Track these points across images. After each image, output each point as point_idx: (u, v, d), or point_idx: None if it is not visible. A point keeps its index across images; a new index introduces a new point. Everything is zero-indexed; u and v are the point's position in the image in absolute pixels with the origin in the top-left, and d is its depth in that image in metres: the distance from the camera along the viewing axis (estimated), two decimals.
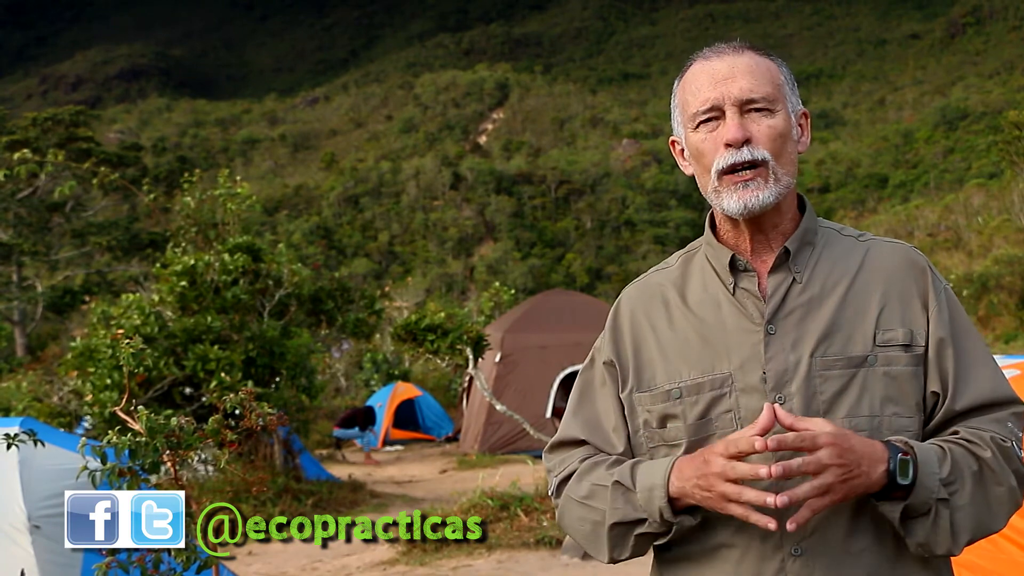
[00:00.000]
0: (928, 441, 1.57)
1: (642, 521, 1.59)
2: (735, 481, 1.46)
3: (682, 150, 1.75)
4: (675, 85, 1.75)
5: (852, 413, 1.57)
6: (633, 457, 1.71)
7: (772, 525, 1.44)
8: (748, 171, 1.62)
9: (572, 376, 13.56)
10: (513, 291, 20.80)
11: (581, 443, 1.74)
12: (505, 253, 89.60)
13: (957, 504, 1.51)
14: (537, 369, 13.43)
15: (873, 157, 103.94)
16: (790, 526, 1.44)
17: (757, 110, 1.64)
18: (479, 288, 48.24)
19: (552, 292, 18.36)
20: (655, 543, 1.62)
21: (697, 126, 1.67)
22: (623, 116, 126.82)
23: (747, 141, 1.62)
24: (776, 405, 1.48)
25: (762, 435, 1.46)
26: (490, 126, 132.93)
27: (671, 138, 1.80)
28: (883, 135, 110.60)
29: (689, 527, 1.57)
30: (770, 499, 1.42)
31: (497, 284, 20.18)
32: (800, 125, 1.71)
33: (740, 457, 1.46)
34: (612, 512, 1.60)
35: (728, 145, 1.62)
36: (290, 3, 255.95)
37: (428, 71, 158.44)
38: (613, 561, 1.65)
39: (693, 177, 1.74)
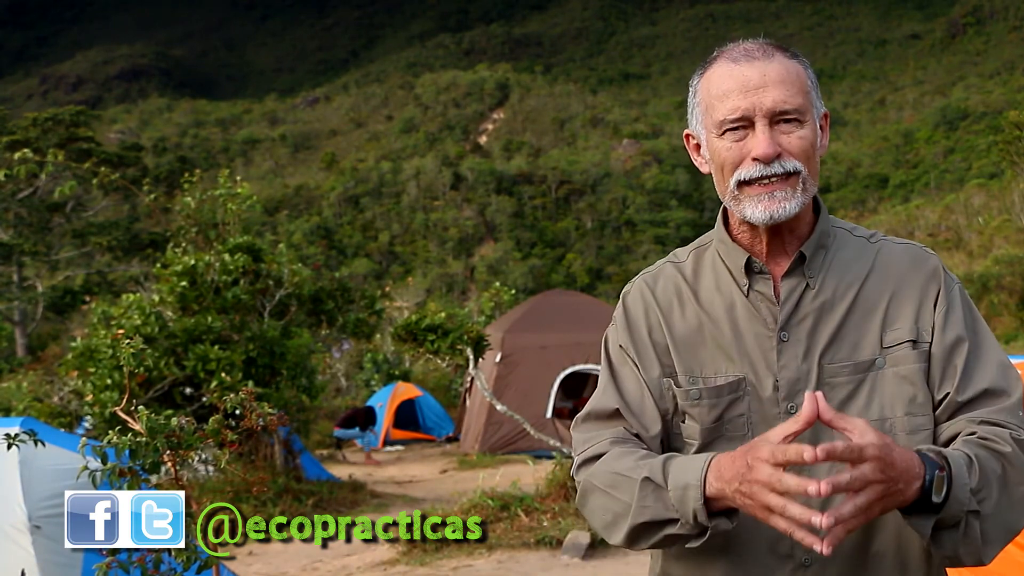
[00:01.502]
0: (953, 446, 1.50)
1: (673, 521, 1.48)
2: (781, 492, 1.34)
3: (697, 145, 1.71)
4: (696, 80, 1.69)
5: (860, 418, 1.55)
6: (667, 436, 1.66)
7: (818, 547, 1.31)
8: (778, 182, 1.58)
9: (572, 376, 13.56)
10: (513, 291, 20.78)
11: (614, 415, 1.67)
12: (505, 253, 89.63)
13: (986, 513, 1.43)
14: (537, 369, 13.42)
15: (873, 157, 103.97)
16: (826, 550, 1.31)
17: (787, 120, 1.59)
18: (479, 288, 48.24)
19: (552, 292, 18.35)
20: (686, 546, 1.50)
21: (723, 133, 1.61)
22: (623, 116, 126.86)
23: (778, 156, 1.58)
24: (819, 395, 1.36)
25: (804, 429, 1.36)
26: (490, 126, 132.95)
27: (686, 131, 1.74)
28: (883, 135, 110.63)
29: (724, 531, 1.46)
30: (816, 519, 1.29)
31: (497, 284, 20.17)
32: (821, 127, 1.67)
33: (787, 464, 1.33)
34: (640, 510, 1.50)
35: (755, 159, 1.58)
36: (291, 3, 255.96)
37: (428, 71, 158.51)
38: (629, 548, 1.58)
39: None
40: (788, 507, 1.32)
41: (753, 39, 1.67)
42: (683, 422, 1.65)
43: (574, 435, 1.72)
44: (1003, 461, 1.47)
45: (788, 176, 1.58)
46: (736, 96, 1.59)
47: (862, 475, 1.31)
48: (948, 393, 1.57)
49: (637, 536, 1.54)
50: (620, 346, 1.72)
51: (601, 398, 1.70)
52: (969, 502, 1.41)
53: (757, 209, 1.59)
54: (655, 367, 1.68)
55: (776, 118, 1.58)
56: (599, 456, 1.61)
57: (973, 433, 1.52)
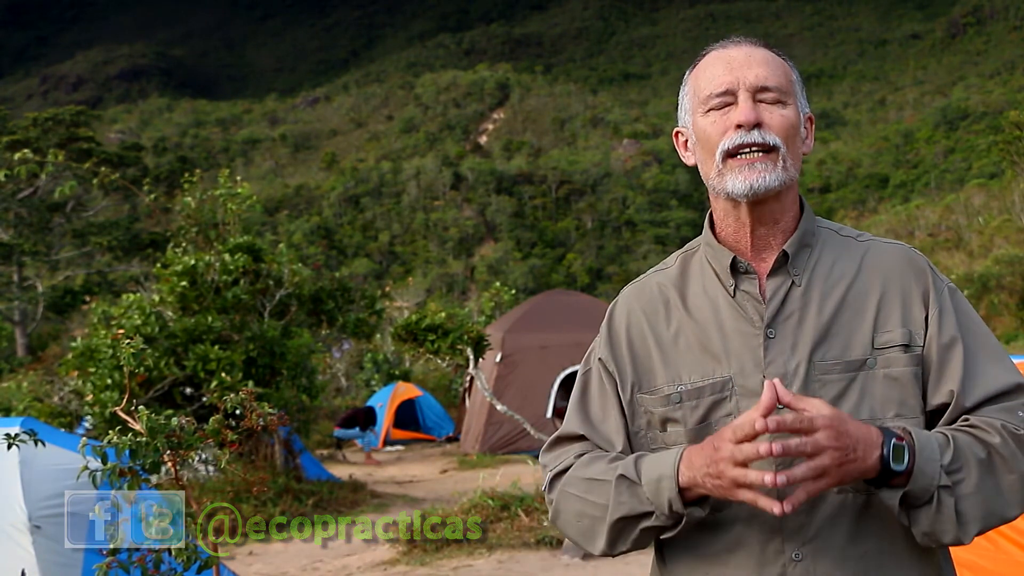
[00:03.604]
0: (932, 430, 1.54)
1: (648, 514, 1.54)
2: (743, 465, 1.43)
3: (686, 141, 1.74)
4: (686, 75, 1.74)
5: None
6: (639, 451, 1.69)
7: (777, 509, 1.41)
8: (757, 153, 1.60)
9: (572, 376, 13.55)
10: (514, 291, 20.78)
11: (580, 439, 1.72)
12: (506, 253, 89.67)
13: (962, 493, 1.47)
14: (537, 369, 13.42)
15: (874, 157, 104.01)
16: (786, 507, 1.40)
17: (770, 101, 1.63)
18: (480, 288, 48.26)
19: (553, 292, 18.34)
20: (662, 536, 1.58)
21: (708, 110, 1.65)
22: (624, 116, 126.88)
23: (758, 125, 1.61)
24: (777, 381, 1.44)
25: (765, 415, 1.42)
26: (491, 126, 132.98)
27: (675, 129, 1.78)
28: (884, 135, 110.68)
29: (698, 519, 1.54)
30: (768, 477, 1.39)
31: (498, 284, 20.17)
32: (805, 128, 1.70)
33: (746, 440, 1.43)
34: (617, 506, 1.56)
35: (739, 127, 1.61)
36: (291, 3, 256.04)
37: (429, 71, 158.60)
38: (610, 554, 1.62)
39: (694, 176, 1.73)
40: (748, 474, 1.42)
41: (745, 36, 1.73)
42: (664, 430, 1.65)
43: (543, 459, 1.78)
44: (989, 448, 1.50)
45: (768, 151, 1.61)
46: (721, 73, 1.65)
47: (814, 441, 1.40)
48: (951, 398, 1.58)
49: (616, 536, 1.59)
50: (600, 359, 1.75)
51: (568, 423, 1.76)
52: (939, 477, 1.45)
53: (738, 180, 1.61)
54: (631, 382, 1.70)
55: (759, 94, 1.63)
56: (568, 468, 1.68)
57: (966, 421, 1.55)
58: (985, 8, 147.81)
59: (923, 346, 1.60)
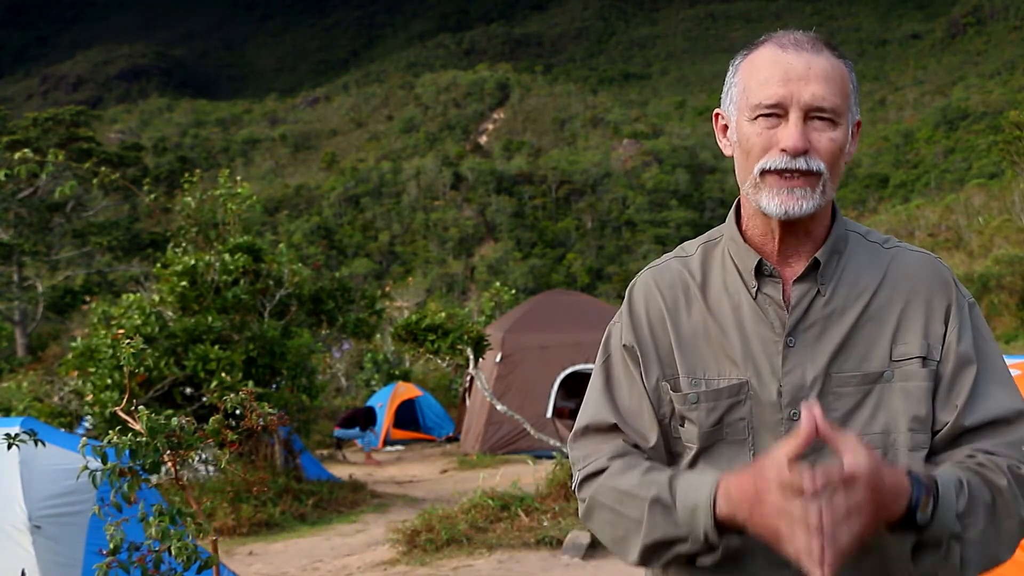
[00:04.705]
0: (945, 468, 1.50)
1: (683, 539, 1.50)
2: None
3: (725, 126, 1.68)
4: (737, 60, 1.66)
5: (864, 431, 1.54)
6: (666, 446, 1.65)
7: (820, 574, 1.34)
8: (799, 178, 1.56)
9: (572, 376, 13.55)
10: (514, 291, 20.76)
11: (612, 428, 1.67)
12: (506, 253, 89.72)
13: (969, 539, 1.45)
14: (538, 369, 13.41)
15: (874, 157, 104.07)
16: (826, 573, 1.34)
17: (821, 119, 1.56)
18: (480, 288, 48.28)
19: (553, 292, 18.32)
20: (697, 563, 1.52)
21: (755, 118, 1.58)
22: (624, 116, 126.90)
23: (805, 152, 1.55)
24: (816, 408, 1.38)
25: (806, 445, 1.37)
26: (491, 126, 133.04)
27: (716, 111, 1.72)
28: (884, 135, 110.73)
29: (734, 548, 1.49)
30: (816, 549, 1.34)
31: (498, 284, 20.17)
32: (852, 133, 1.66)
33: (794, 488, 1.35)
34: (651, 530, 1.52)
35: (783, 151, 1.55)
36: (291, 3, 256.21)
37: (429, 71, 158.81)
38: (643, 567, 1.59)
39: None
40: (796, 537, 1.36)
41: (804, 31, 1.65)
42: (681, 426, 1.63)
43: (572, 450, 1.71)
44: (995, 492, 1.48)
45: (810, 175, 1.56)
46: (776, 83, 1.56)
47: (855, 502, 1.35)
48: (952, 418, 1.56)
49: (650, 555, 1.55)
50: (625, 345, 1.69)
51: (597, 411, 1.69)
52: (954, 526, 1.43)
53: (773, 202, 1.57)
54: (655, 368, 1.66)
55: (811, 113, 1.56)
56: (601, 471, 1.62)
57: (973, 457, 1.52)
58: (985, 8, 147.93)
59: (939, 361, 1.57)
